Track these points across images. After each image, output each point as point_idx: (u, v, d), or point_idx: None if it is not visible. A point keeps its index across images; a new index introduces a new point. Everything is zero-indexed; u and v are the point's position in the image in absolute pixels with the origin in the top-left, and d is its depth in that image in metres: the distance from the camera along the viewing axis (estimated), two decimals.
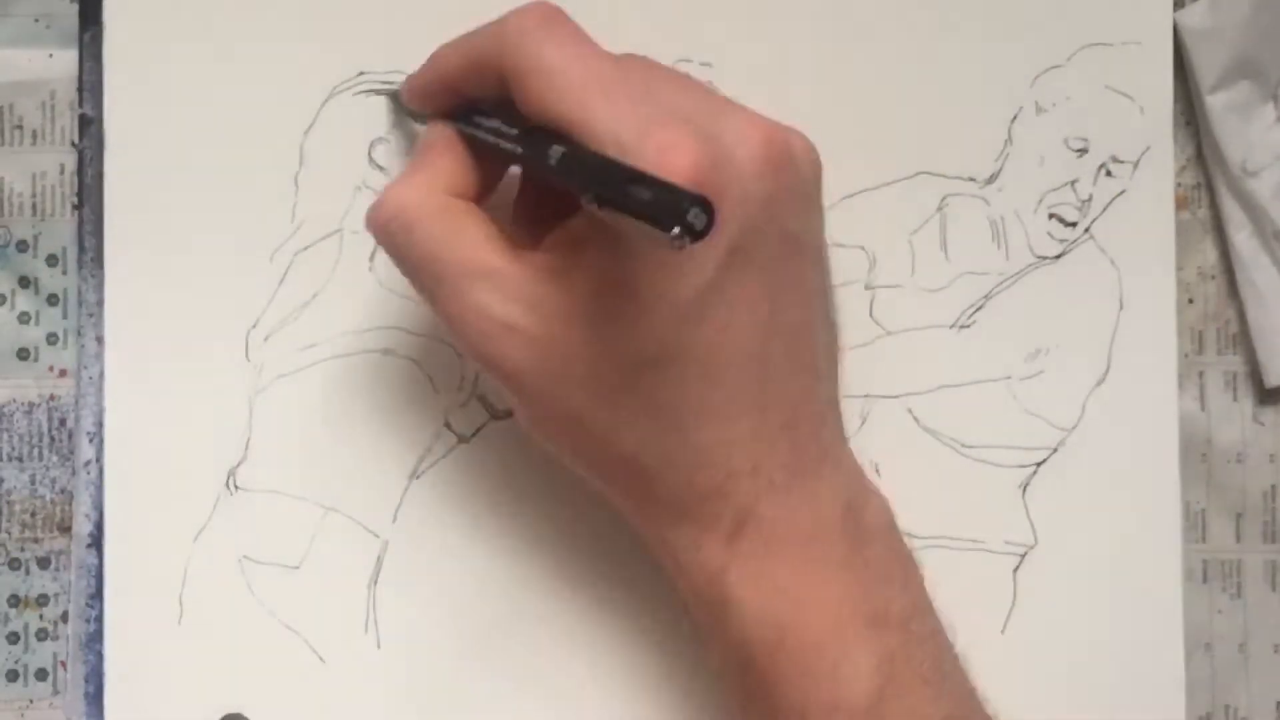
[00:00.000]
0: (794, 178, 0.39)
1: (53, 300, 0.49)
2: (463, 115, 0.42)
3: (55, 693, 0.48)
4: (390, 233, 0.41)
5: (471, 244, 0.40)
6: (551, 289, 0.38)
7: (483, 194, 0.42)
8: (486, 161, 0.42)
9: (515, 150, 0.40)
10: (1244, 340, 0.51)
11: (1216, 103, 0.50)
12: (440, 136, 0.42)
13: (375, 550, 0.48)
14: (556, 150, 0.37)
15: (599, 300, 0.38)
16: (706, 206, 0.32)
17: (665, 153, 0.35)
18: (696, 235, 0.32)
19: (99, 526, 0.47)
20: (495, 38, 0.40)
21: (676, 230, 0.32)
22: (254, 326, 0.48)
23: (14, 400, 0.48)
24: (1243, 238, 0.50)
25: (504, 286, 0.39)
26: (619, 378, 0.39)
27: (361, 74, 0.48)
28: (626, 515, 0.43)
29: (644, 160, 0.35)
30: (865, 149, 0.49)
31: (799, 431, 0.40)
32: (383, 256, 0.47)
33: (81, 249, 0.48)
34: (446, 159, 0.42)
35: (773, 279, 0.39)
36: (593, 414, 0.39)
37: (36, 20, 0.48)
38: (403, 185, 0.41)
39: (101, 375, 0.48)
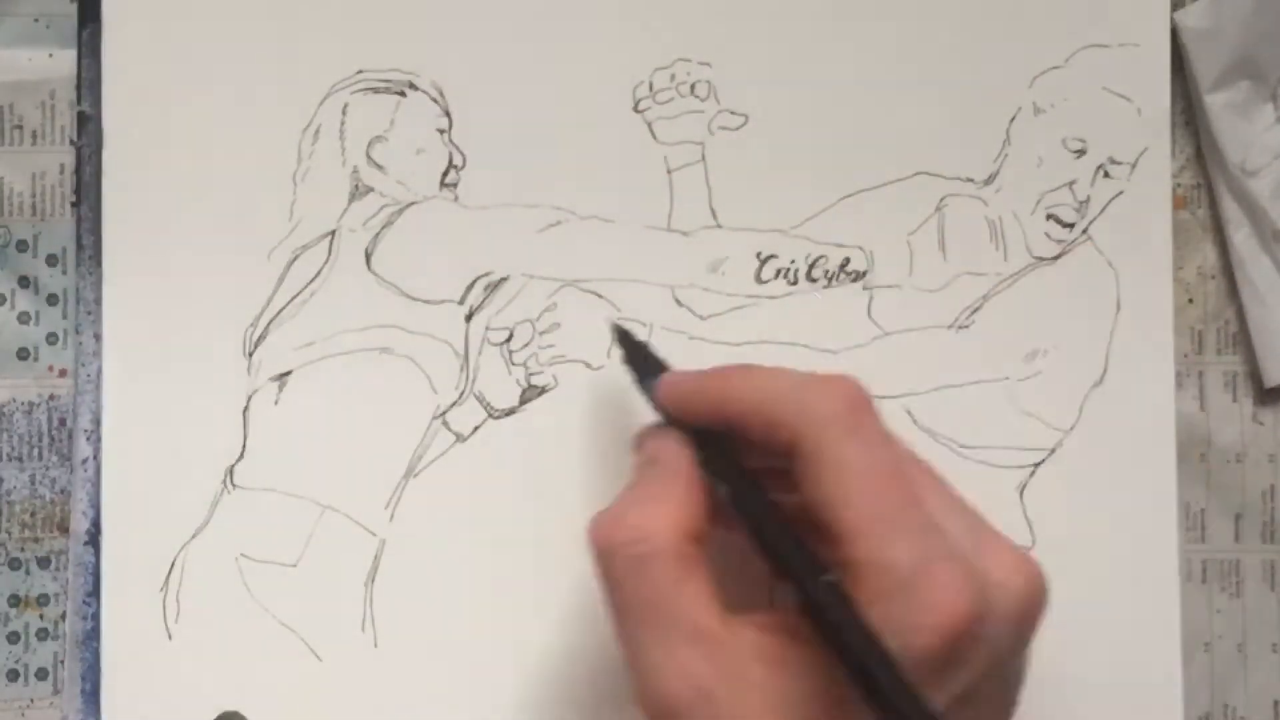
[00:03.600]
0: (1036, 625, 0.40)
1: (52, 300, 0.48)
2: (707, 436, 0.41)
3: (55, 692, 0.48)
4: (617, 559, 0.39)
5: (693, 600, 0.38)
6: (761, 673, 0.37)
7: (704, 534, 0.40)
8: (712, 497, 0.41)
9: (769, 541, 0.39)
10: (1244, 340, 0.51)
11: (1216, 102, 0.50)
12: (681, 463, 0.41)
13: (372, 549, 0.48)
14: (824, 582, 0.37)
15: (806, 705, 0.37)
16: None
17: (940, 594, 0.35)
18: None
19: (96, 524, 0.47)
20: (798, 408, 0.38)
21: None
22: (252, 325, 0.48)
23: (14, 400, 0.48)
24: (1242, 237, 0.50)
25: (714, 654, 0.37)
26: None
27: (360, 72, 0.48)
28: None
29: (915, 594, 0.35)
30: (864, 149, 0.49)
31: None
32: (380, 255, 0.48)
33: (80, 246, 0.48)
34: (688, 494, 0.40)
35: (985, 712, 0.39)
36: None
37: (36, 20, 0.48)
38: (645, 512, 0.39)
39: (99, 373, 0.47)
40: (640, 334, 0.46)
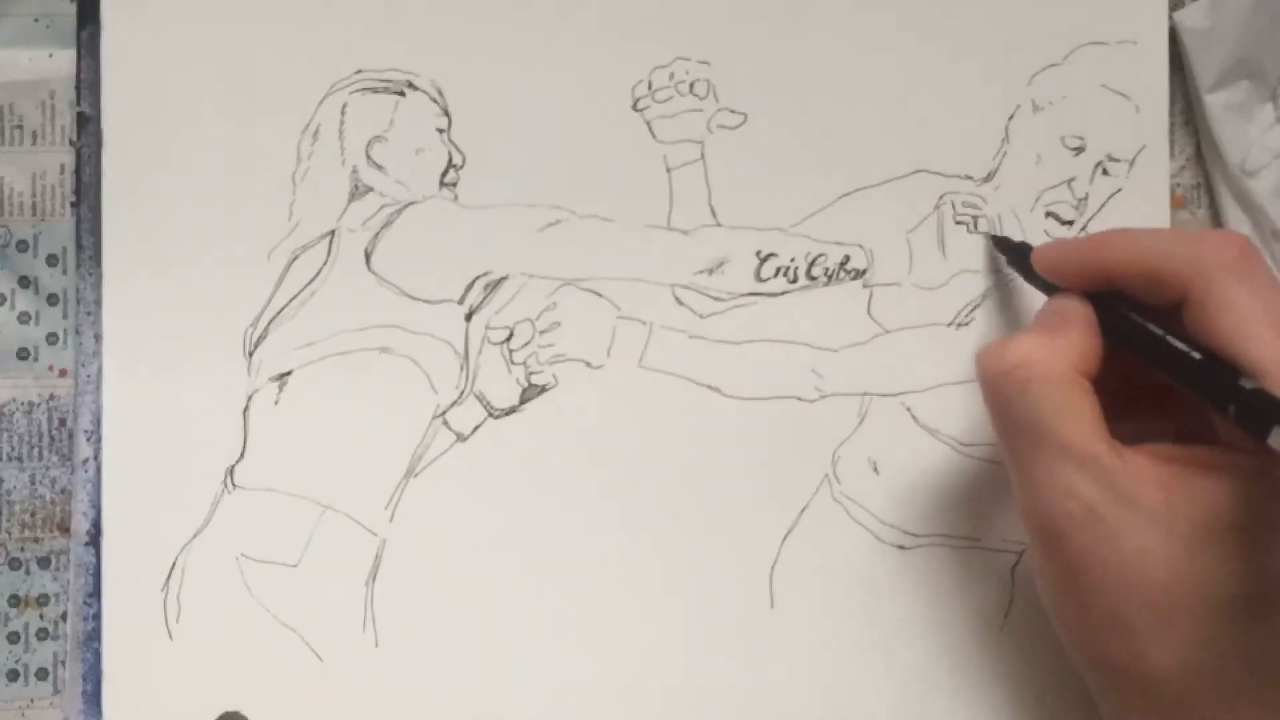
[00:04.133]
0: None
1: (53, 300, 0.48)
2: (1100, 297, 0.43)
3: (56, 692, 0.48)
4: (1005, 383, 0.41)
5: (1081, 424, 0.40)
6: (1153, 496, 0.39)
7: (1094, 376, 0.42)
8: (1105, 346, 0.42)
9: (1189, 373, 0.40)
10: None
11: (1215, 102, 0.50)
12: (1080, 312, 0.42)
13: (373, 548, 0.48)
14: (1253, 388, 0.38)
15: (1204, 529, 0.38)
16: None
17: None
18: None
19: (97, 525, 0.47)
20: (1188, 259, 0.40)
21: None
22: (251, 325, 0.47)
23: (14, 400, 0.48)
24: None
25: (1103, 476, 0.39)
26: (1195, 607, 0.38)
27: (359, 71, 0.48)
28: (1095, 695, 0.42)
29: None
30: (863, 147, 0.49)
31: None
32: (380, 255, 0.48)
33: (79, 247, 0.48)
34: (1082, 335, 0.42)
35: None
36: (1144, 628, 0.39)
37: (36, 20, 0.48)
38: (1033, 343, 0.41)
39: (99, 373, 0.47)
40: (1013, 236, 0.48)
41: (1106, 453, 0.39)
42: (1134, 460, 0.39)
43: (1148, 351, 0.41)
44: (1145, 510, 0.38)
